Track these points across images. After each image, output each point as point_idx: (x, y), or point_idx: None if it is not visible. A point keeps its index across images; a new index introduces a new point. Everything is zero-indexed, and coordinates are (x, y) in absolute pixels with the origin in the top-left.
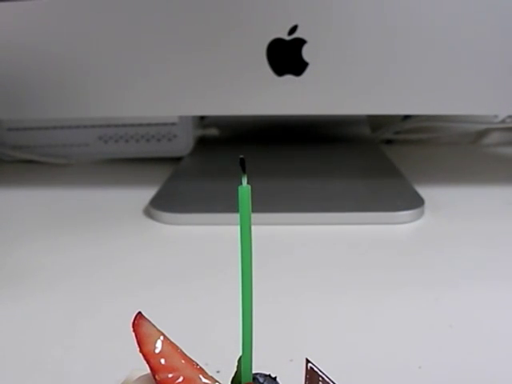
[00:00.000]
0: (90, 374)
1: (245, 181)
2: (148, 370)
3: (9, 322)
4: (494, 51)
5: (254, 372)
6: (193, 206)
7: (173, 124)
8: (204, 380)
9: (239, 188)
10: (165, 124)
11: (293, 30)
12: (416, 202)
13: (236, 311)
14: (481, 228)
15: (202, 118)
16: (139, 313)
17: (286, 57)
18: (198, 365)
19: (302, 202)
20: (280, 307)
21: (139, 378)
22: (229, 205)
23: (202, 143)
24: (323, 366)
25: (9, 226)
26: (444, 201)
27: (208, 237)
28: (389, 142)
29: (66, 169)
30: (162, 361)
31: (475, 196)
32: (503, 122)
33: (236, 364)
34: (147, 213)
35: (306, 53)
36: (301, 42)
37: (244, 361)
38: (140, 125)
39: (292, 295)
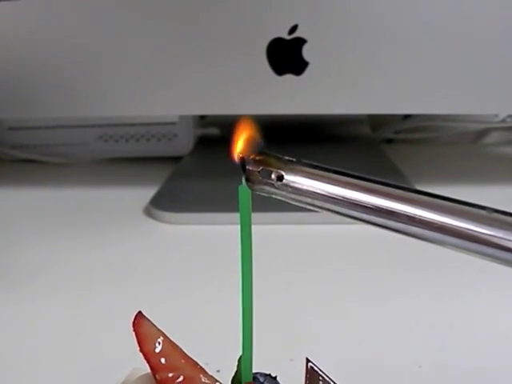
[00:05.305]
0: (90, 373)
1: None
2: (148, 370)
3: (9, 322)
4: (494, 51)
5: (254, 371)
6: (193, 205)
7: (173, 123)
8: (204, 379)
9: (239, 188)
10: (165, 123)
11: (293, 29)
12: None
13: (236, 311)
14: None
15: (202, 117)
16: (139, 312)
17: (286, 56)
18: (198, 364)
19: None
20: (280, 307)
21: (139, 377)
22: (229, 205)
23: (202, 143)
24: (323, 366)
25: (9, 225)
26: None
27: (208, 236)
28: (389, 141)
29: (66, 168)
30: (163, 360)
31: (475, 196)
32: (503, 121)
33: (236, 363)
34: (147, 212)
35: (307, 52)
36: (301, 42)
37: (244, 360)
38: (140, 124)
39: (292, 295)
